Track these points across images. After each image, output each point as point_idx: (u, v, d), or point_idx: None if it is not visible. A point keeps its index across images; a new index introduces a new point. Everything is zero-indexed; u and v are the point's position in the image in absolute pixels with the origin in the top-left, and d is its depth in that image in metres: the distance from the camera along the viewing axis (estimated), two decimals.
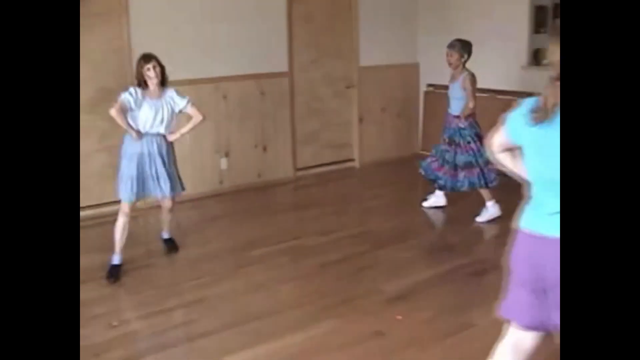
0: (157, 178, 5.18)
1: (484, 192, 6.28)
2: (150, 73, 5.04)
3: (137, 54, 6.76)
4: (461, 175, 6.26)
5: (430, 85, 8.86)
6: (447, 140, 6.36)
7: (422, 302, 4.53)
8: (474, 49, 6.20)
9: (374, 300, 4.60)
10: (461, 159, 6.25)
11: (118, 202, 5.27)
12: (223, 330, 4.22)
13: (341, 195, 7.53)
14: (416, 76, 9.08)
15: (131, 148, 5.13)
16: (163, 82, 5.17)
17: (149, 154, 5.14)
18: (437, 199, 6.66)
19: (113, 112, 4.99)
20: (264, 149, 7.83)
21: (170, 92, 5.21)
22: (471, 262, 5.25)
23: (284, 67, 7.84)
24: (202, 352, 3.97)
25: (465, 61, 6.20)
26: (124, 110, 5.01)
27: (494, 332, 4.06)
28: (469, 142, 6.22)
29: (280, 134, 7.96)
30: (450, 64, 6.25)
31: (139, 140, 5.10)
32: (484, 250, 5.46)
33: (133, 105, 5.01)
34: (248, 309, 4.52)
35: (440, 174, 6.40)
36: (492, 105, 6.68)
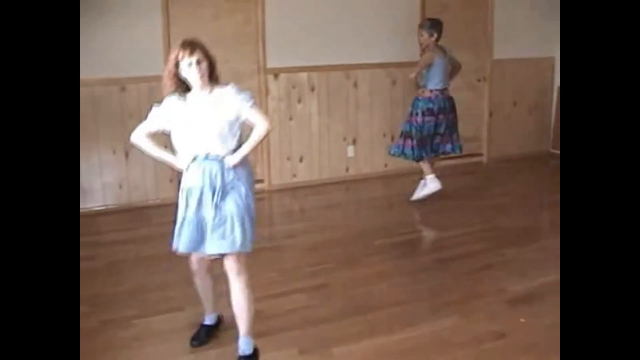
0: (211, 226, 3.45)
1: (424, 166, 6.58)
2: (193, 70, 3.36)
3: (270, 39, 6.94)
4: (400, 142, 6.58)
5: None
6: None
7: (547, 307, 4.37)
8: None
9: (496, 300, 4.48)
10: (405, 126, 6.55)
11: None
12: (340, 318, 4.24)
13: (466, 189, 7.39)
14: (551, 71, 8.77)
15: (183, 180, 3.59)
16: (214, 79, 3.50)
17: (201, 190, 3.46)
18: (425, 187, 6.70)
19: (135, 137, 3.64)
20: (392, 138, 7.80)
21: (224, 90, 3.48)
22: None
23: (415, 56, 7.75)
24: (316, 338, 3.99)
25: (437, 39, 6.37)
26: (151, 134, 3.63)
27: None
28: (416, 114, 6.43)
29: None
30: (420, 44, 6.45)
31: (184, 170, 3.55)
32: None
33: (163, 125, 3.54)
34: (366, 299, 4.52)
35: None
36: None
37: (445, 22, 7.89)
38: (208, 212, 3.43)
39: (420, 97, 6.44)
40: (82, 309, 4.28)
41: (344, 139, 7.58)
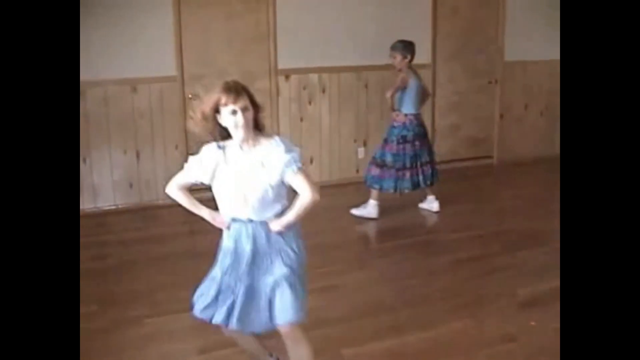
0: (250, 297, 3.09)
1: (374, 192, 6.32)
2: (238, 120, 2.91)
3: (281, 41, 6.95)
4: (376, 172, 6.31)
5: None
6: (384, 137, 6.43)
7: (557, 310, 4.33)
8: None
9: (507, 303, 4.47)
10: (377, 153, 6.38)
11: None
12: (349, 320, 4.24)
13: (477, 192, 7.37)
14: None
15: (225, 239, 3.17)
16: (258, 128, 3.04)
17: (242, 254, 3.08)
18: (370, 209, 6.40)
19: (170, 190, 3.21)
20: None
21: (269, 146, 3.00)
22: None
23: (426, 58, 7.75)
24: (325, 340, 3.96)
25: (410, 61, 6.19)
26: (187, 186, 3.20)
27: None
28: (391, 141, 6.27)
29: None
30: (395, 66, 6.27)
31: (224, 228, 3.14)
32: None
33: (201, 178, 3.08)
34: (376, 301, 4.52)
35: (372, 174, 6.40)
36: None
37: (456, 24, 7.92)
38: (245, 280, 3.08)
39: (395, 124, 6.27)
40: (93, 308, 4.31)
41: (355, 140, 7.59)
